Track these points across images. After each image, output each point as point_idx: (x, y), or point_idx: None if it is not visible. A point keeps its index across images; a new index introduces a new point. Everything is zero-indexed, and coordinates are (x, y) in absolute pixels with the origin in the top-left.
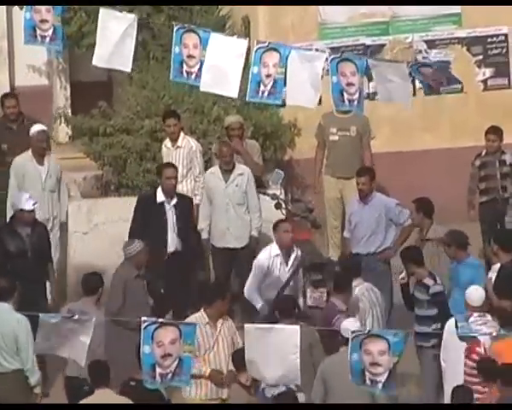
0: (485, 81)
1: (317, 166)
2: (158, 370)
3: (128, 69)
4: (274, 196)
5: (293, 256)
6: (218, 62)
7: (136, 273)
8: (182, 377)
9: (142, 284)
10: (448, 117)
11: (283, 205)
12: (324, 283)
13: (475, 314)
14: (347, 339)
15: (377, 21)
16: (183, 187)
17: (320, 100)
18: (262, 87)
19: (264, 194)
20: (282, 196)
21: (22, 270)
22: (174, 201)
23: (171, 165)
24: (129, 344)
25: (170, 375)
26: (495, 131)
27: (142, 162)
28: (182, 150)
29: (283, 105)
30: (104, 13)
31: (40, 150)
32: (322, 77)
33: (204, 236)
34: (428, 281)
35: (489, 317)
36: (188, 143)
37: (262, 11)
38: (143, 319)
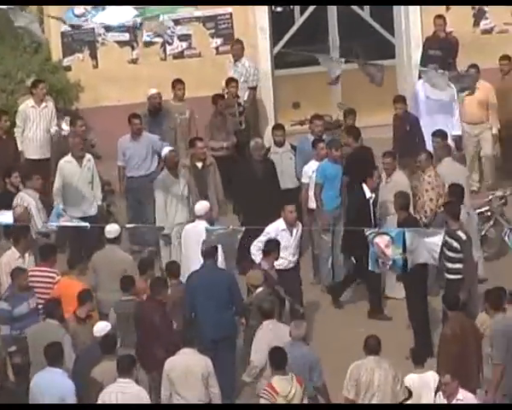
0: (217, 48)
1: None
2: None
3: None
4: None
5: (294, 230)
6: None
7: None
8: None
9: None
10: (192, 74)
11: None
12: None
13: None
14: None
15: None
16: None
17: (97, 64)
18: None
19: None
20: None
21: None
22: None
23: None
24: None
25: None
26: (235, 80)
27: None
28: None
29: None
30: None
31: (175, 166)
32: None
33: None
34: None
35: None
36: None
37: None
38: None
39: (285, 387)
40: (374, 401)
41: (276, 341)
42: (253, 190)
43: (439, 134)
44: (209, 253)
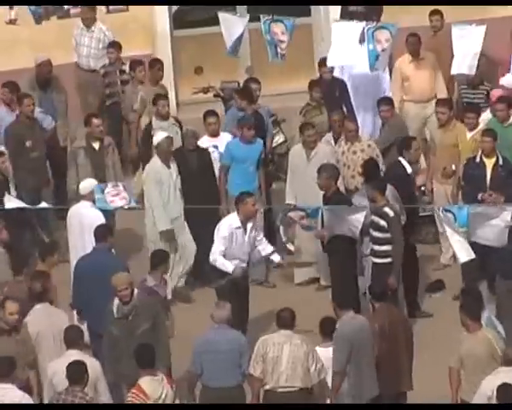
0: (107, 7)
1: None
2: None
3: None
4: None
5: (249, 225)
6: None
7: None
8: None
9: None
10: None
11: None
12: None
13: (109, 185)
14: None
15: None
16: None
17: None
18: None
19: None
20: None
21: None
22: None
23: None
24: None
25: None
26: (114, 45)
27: None
28: None
29: None
30: None
31: (168, 155)
32: None
33: None
34: None
35: (122, 188)
36: None
37: None
38: None
39: (156, 389)
40: (282, 382)
41: (51, 325)
42: (188, 182)
43: (387, 100)
44: (101, 235)
